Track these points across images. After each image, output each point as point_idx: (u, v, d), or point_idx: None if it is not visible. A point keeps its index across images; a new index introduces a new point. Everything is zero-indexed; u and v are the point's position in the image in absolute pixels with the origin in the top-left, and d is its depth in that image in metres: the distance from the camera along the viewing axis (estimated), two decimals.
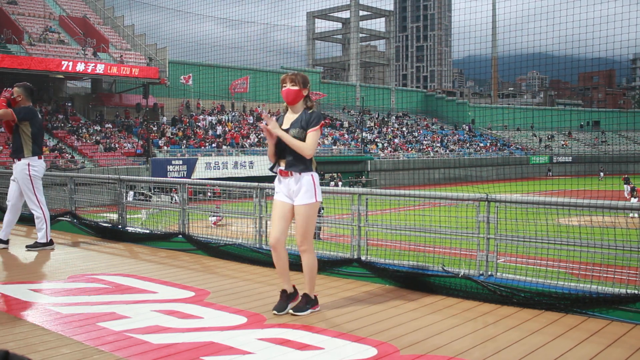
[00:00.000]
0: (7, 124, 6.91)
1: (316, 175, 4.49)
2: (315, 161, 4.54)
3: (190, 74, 44.14)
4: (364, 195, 5.72)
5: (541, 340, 3.88)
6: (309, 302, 4.48)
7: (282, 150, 4.45)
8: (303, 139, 4.37)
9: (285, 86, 4.45)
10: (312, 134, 4.37)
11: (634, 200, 23.27)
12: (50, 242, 7.09)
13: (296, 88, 4.41)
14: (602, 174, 49.31)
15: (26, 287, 5.27)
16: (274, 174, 4.59)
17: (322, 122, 4.47)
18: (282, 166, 4.46)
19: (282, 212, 4.46)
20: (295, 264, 5.89)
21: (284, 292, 4.54)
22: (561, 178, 39.31)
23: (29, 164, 6.94)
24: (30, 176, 6.93)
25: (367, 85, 72.03)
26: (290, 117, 4.49)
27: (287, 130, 4.40)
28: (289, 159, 4.42)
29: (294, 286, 4.63)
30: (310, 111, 4.47)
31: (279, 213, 4.48)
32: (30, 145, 6.96)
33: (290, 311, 4.39)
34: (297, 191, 4.42)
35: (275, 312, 4.42)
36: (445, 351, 3.67)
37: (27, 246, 7.00)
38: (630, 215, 4.82)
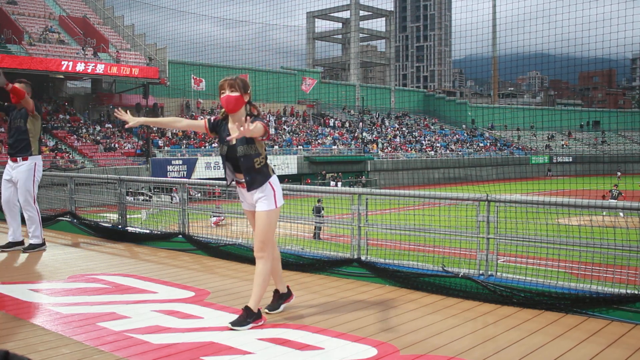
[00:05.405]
0: None
1: (274, 179, 4.31)
2: (271, 165, 4.34)
3: (202, 79, 43.81)
4: (364, 195, 5.71)
5: (541, 340, 3.88)
6: (250, 315, 4.13)
7: (235, 164, 4.25)
8: (254, 155, 4.17)
9: (224, 93, 4.14)
10: (257, 123, 4.01)
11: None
12: (44, 243, 6.99)
13: (236, 94, 4.12)
14: (619, 173, 49.10)
15: (26, 287, 5.26)
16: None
17: (266, 125, 4.11)
18: (240, 179, 4.28)
19: (253, 219, 4.37)
20: (294, 264, 5.90)
21: (275, 291, 4.57)
22: (560, 178, 39.32)
23: (35, 164, 6.73)
24: (35, 177, 6.72)
25: (367, 85, 71.99)
26: (234, 129, 4.19)
27: (235, 147, 4.18)
28: (247, 179, 4.23)
29: (288, 287, 4.64)
30: (253, 119, 4.10)
31: (251, 220, 4.43)
32: (37, 144, 6.81)
33: (228, 324, 4.09)
34: (257, 199, 4.27)
35: (266, 311, 4.43)
36: (445, 351, 3.67)
37: (23, 248, 6.89)
38: (621, 214, 4.81)
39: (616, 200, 23.64)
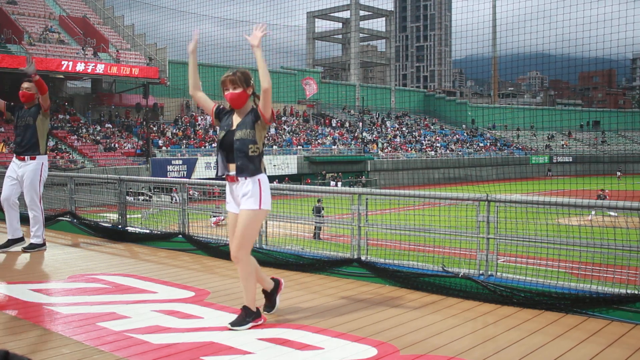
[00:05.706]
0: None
1: (264, 178, 4.19)
2: (264, 164, 4.28)
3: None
4: (364, 195, 5.71)
5: (541, 340, 3.88)
6: (249, 314, 4.13)
7: (229, 152, 4.17)
8: (250, 140, 4.11)
9: (227, 90, 4.14)
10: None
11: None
12: (44, 243, 6.96)
13: (239, 90, 4.13)
14: (619, 172, 49.10)
15: (26, 287, 5.26)
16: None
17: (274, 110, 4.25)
18: (231, 172, 4.19)
19: (235, 225, 4.23)
20: (294, 264, 5.89)
21: (264, 291, 4.50)
22: (560, 178, 39.33)
23: (42, 164, 6.71)
24: (41, 177, 6.70)
25: (367, 85, 72.01)
26: (237, 120, 4.21)
27: (233, 132, 4.14)
28: (238, 163, 4.11)
29: (272, 277, 4.55)
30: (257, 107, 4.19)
31: (232, 227, 4.26)
32: (45, 143, 6.78)
33: (228, 325, 4.07)
34: (242, 196, 4.14)
35: (266, 312, 4.42)
36: (445, 351, 3.67)
37: (23, 248, 6.87)
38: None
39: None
